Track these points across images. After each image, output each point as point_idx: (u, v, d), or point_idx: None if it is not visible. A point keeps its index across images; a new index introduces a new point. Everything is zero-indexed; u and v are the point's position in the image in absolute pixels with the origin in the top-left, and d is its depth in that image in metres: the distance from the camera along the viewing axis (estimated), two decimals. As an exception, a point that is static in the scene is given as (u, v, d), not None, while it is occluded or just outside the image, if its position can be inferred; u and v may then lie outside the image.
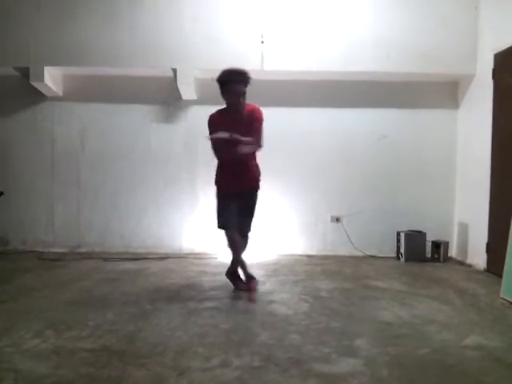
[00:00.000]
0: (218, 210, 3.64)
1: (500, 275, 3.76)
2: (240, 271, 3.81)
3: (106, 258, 5.09)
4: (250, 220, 3.74)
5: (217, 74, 3.49)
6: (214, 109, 5.31)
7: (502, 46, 4.43)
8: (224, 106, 3.59)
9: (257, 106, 3.61)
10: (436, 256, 5.21)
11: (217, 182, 3.70)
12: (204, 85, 5.34)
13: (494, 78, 4.60)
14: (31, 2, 5.05)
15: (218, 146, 3.51)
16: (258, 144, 3.57)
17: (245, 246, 3.79)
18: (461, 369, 2.33)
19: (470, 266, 4.95)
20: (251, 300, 3.48)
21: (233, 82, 3.42)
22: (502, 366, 2.38)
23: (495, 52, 4.56)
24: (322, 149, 5.45)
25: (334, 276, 4.40)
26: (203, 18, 5.05)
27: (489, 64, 4.65)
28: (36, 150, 5.48)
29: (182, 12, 5.05)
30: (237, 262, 3.76)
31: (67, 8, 5.06)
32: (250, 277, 3.71)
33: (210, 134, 3.50)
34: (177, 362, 2.34)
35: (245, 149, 3.48)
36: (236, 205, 3.59)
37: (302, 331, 2.84)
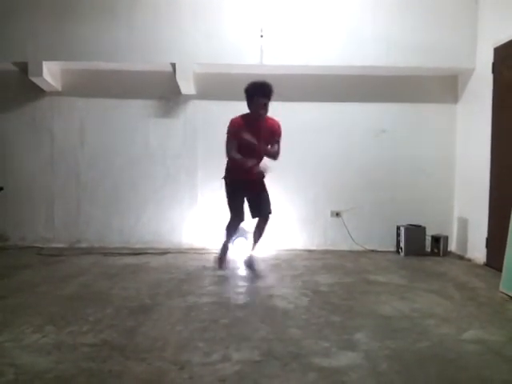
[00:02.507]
0: (229, 201, 4.11)
1: (499, 269, 3.76)
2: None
3: (106, 253, 5.09)
4: (269, 204, 4.14)
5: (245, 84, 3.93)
6: (213, 104, 5.41)
7: (502, 39, 4.41)
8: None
9: (278, 120, 4.08)
10: (436, 250, 5.22)
11: (226, 176, 4.11)
12: (203, 79, 5.34)
13: (493, 72, 4.59)
14: (29, -4, 5.04)
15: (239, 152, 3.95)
16: (277, 154, 4.13)
17: (263, 229, 4.12)
18: (460, 362, 2.33)
19: (469, 260, 4.95)
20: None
21: (259, 95, 3.84)
22: (502, 359, 2.38)
23: (495, 46, 4.54)
24: (321, 143, 5.44)
25: (334, 270, 4.41)
26: (202, 12, 5.03)
27: (488, 58, 4.64)
28: (35, 146, 5.46)
29: (181, 6, 5.02)
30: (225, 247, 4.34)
31: (65, 2, 5.04)
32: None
33: (231, 135, 3.93)
34: (177, 357, 2.35)
35: (267, 154, 4.06)
36: (248, 196, 4.10)
37: (302, 325, 2.85)
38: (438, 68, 5.15)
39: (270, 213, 4.10)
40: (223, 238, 4.33)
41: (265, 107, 3.88)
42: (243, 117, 3.97)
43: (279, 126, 4.08)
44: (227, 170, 4.13)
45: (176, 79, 5.12)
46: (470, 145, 5.16)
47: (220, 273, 4.23)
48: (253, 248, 4.24)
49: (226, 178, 4.14)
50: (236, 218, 4.13)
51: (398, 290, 3.68)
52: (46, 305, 3.21)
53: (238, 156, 3.91)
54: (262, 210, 4.10)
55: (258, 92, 3.85)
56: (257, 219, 4.13)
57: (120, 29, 5.01)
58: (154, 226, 5.50)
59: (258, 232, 4.11)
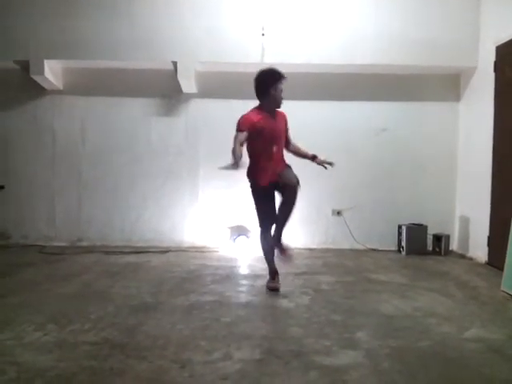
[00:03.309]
0: (258, 208, 3.62)
1: (501, 268, 3.76)
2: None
3: (107, 251, 5.10)
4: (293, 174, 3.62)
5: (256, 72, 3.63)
6: (214, 102, 5.40)
7: (504, 38, 4.39)
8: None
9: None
10: (437, 249, 5.21)
11: (253, 180, 3.61)
12: (204, 78, 5.34)
13: (495, 70, 4.57)
14: (30, -6, 5.04)
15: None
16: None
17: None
18: (462, 361, 2.33)
19: (471, 259, 4.95)
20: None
21: (278, 80, 3.58)
22: (503, 358, 2.38)
23: (497, 44, 4.53)
24: (322, 142, 5.38)
25: (335, 269, 4.41)
26: (203, 10, 5.02)
27: (490, 56, 4.63)
28: (37, 144, 5.47)
29: (182, 4, 5.02)
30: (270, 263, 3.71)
31: (67, 1, 5.03)
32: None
33: (240, 128, 3.44)
34: (178, 355, 2.35)
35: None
36: (274, 200, 3.63)
37: (304, 324, 2.85)
38: (439, 66, 5.14)
39: (297, 183, 3.50)
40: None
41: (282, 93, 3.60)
42: (256, 111, 3.57)
43: (286, 115, 3.77)
44: (252, 173, 3.62)
45: (177, 77, 5.12)
46: (471, 143, 5.15)
47: (221, 271, 4.24)
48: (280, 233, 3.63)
49: (250, 182, 3.66)
50: (266, 229, 3.63)
51: (400, 289, 3.68)
52: (48, 303, 3.21)
53: (237, 153, 3.32)
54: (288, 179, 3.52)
55: (277, 77, 3.56)
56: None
57: (121, 27, 5.01)
58: (156, 224, 5.50)
59: (287, 208, 3.55)
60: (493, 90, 4.59)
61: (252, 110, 3.58)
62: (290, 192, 3.49)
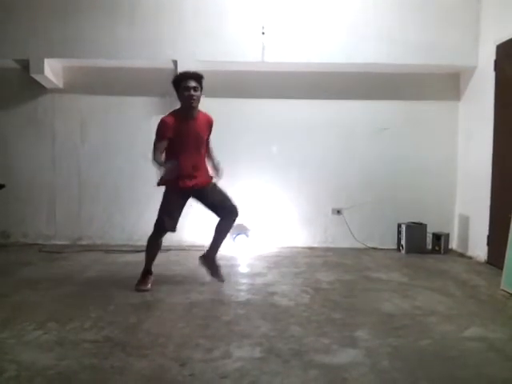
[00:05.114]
0: (165, 209, 3.60)
1: (501, 267, 3.76)
2: None
3: (108, 250, 5.10)
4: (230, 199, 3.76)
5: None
6: (214, 101, 5.34)
7: (505, 36, 4.39)
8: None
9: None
10: (437, 248, 5.21)
11: (171, 179, 3.49)
12: (205, 77, 5.33)
13: (495, 69, 4.57)
14: (30, -7, 5.03)
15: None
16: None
17: (229, 229, 3.86)
18: (462, 360, 2.34)
19: (470, 257, 4.95)
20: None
21: (186, 78, 3.58)
22: (503, 357, 2.39)
23: (497, 43, 4.52)
24: (322, 141, 5.44)
25: (335, 268, 4.41)
26: (203, 9, 5.01)
27: (491, 55, 4.62)
28: (37, 143, 5.46)
29: (183, 3, 5.02)
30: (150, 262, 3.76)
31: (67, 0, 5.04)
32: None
33: (160, 136, 3.48)
34: (178, 353, 2.36)
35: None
36: (205, 201, 3.75)
37: (303, 323, 2.86)
38: (439, 65, 5.13)
39: (235, 210, 3.72)
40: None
41: (195, 91, 3.53)
42: (174, 113, 3.59)
43: (212, 121, 3.75)
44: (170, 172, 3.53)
45: (177, 76, 5.11)
46: (471, 142, 5.15)
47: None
48: (215, 249, 3.87)
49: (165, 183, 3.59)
50: (165, 230, 3.69)
51: (399, 288, 3.68)
52: (48, 302, 3.22)
53: (160, 160, 3.42)
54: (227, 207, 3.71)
55: (185, 76, 3.57)
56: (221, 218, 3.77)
57: (121, 26, 5.00)
58: (156, 224, 5.49)
59: (225, 231, 3.83)
60: (493, 89, 4.59)
61: (169, 114, 3.59)
62: (232, 213, 3.70)
